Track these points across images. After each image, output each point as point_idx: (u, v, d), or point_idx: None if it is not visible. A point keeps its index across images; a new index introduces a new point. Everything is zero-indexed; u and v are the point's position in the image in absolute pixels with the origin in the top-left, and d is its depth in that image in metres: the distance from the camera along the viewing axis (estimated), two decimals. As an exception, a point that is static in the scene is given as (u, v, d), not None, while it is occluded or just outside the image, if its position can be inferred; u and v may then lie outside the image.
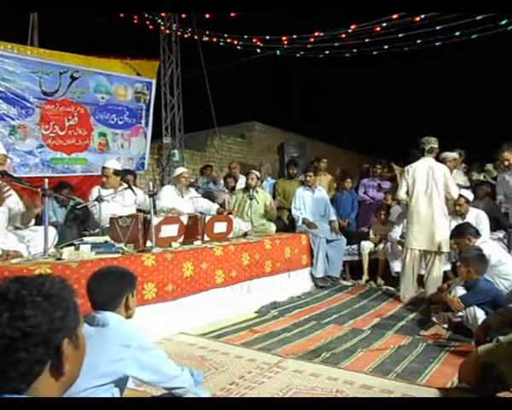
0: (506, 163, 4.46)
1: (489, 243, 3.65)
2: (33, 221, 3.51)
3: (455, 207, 4.68)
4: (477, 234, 3.64)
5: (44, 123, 5.47)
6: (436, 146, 4.35)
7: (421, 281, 4.52)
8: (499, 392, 2.06)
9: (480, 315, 2.95)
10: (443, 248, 4.19)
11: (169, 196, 4.68)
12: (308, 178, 5.52)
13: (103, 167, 4.29)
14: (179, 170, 5.05)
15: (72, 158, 5.80)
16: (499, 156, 4.55)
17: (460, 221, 4.69)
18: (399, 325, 3.54)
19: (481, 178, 5.56)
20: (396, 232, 4.99)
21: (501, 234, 4.61)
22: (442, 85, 13.59)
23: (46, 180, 3.17)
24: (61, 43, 5.77)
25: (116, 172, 4.26)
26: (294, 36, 8.02)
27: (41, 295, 0.80)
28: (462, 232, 3.64)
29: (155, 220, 3.53)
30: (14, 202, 3.28)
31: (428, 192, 4.22)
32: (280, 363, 2.65)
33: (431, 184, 4.22)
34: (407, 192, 4.35)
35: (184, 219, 4.00)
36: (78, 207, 4.30)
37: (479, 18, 6.51)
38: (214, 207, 4.99)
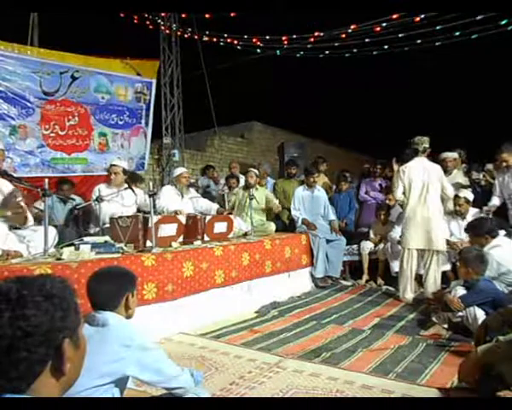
0: (504, 164, 4.49)
1: (503, 248, 3.44)
2: (32, 221, 3.49)
3: (455, 207, 4.68)
4: (495, 232, 3.53)
5: (45, 123, 5.47)
6: (428, 146, 4.39)
7: (420, 281, 4.53)
8: (499, 391, 2.06)
9: (480, 315, 2.95)
10: (439, 247, 4.21)
11: (169, 197, 4.68)
12: (313, 179, 5.49)
13: (112, 165, 4.32)
14: (179, 170, 5.06)
15: (73, 158, 5.80)
16: (498, 157, 4.58)
17: (460, 221, 4.71)
18: (399, 325, 3.54)
19: (481, 177, 5.56)
20: (396, 232, 4.99)
21: (502, 234, 4.60)
22: (442, 85, 13.59)
23: (46, 180, 3.17)
24: (61, 43, 5.78)
25: (124, 171, 4.31)
26: (294, 36, 8.02)
27: (42, 295, 0.80)
28: (480, 230, 3.55)
29: (153, 219, 3.53)
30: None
31: (424, 192, 4.25)
32: (280, 363, 2.65)
33: (427, 184, 4.25)
34: (403, 193, 4.37)
35: (183, 219, 4.00)
36: (78, 207, 4.30)
37: (479, 18, 6.51)
38: (214, 207, 5.00)
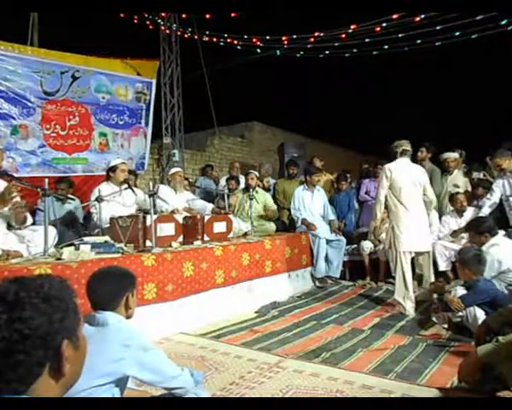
0: (498, 168, 4.53)
1: (502, 246, 3.41)
2: (30, 220, 3.48)
3: (455, 205, 4.77)
4: (494, 231, 3.53)
5: (46, 123, 5.47)
6: (408, 148, 4.15)
7: (419, 281, 4.52)
8: (499, 391, 2.06)
9: (480, 315, 2.95)
10: (429, 247, 4.12)
11: (164, 196, 4.69)
12: (318, 178, 5.48)
13: (123, 163, 4.36)
14: (174, 169, 5.18)
15: (74, 158, 5.80)
16: (492, 163, 4.64)
17: (458, 219, 4.76)
18: (399, 325, 3.54)
19: (481, 176, 5.57)
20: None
21: (501, 234, 4.61)
22: (442, 85, 13.60)
23: (46, 180, 3.17)
24: (61, 43, 5.78)
25: (129, 172, 4.49)
26: (294, 36, 8.02)
27: (40, 297, 0.79)
28: (480, 228, 3.55)
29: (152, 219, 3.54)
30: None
31: (412, 194, 4.06)
32: (280, 363, 2.65)
33: (413, 186, 4.07)
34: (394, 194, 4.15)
35: (179, 218, 4.01)
36: (78, 207, 4.30)
37: (479, 18, 6.51)
38: (209, 206, 5.02)
